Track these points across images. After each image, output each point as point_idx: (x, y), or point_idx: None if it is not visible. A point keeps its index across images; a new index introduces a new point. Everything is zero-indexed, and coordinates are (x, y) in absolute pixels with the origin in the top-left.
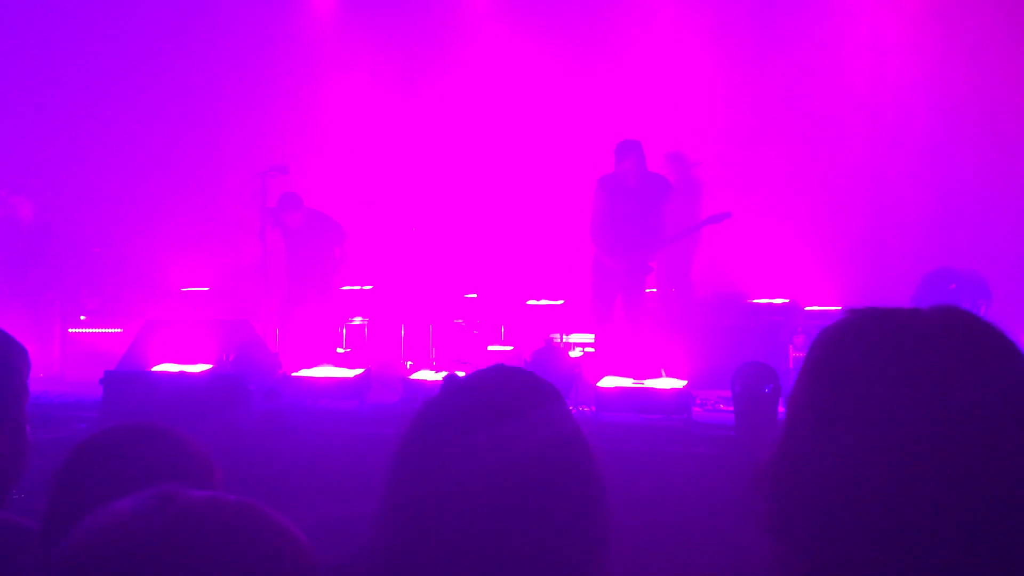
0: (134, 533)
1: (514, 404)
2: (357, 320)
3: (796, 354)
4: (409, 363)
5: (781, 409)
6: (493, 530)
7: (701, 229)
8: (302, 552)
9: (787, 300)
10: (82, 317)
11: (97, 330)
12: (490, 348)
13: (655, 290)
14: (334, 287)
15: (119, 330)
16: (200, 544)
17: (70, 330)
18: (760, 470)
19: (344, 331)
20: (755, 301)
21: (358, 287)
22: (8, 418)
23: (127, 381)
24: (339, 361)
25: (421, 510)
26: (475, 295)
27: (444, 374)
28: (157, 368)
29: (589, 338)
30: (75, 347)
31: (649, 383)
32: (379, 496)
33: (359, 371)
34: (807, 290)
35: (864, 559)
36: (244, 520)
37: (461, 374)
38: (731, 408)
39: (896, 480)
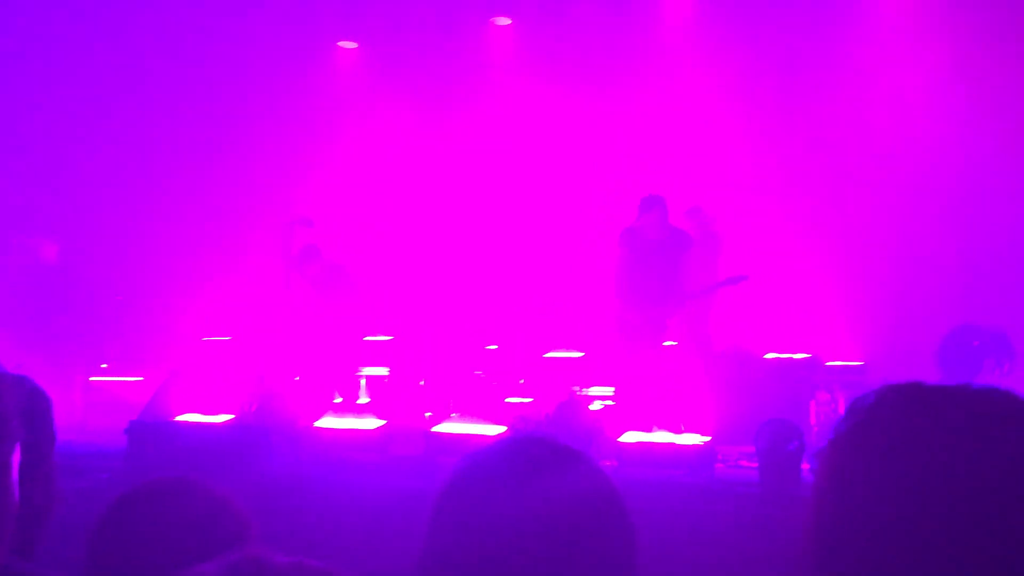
0: None
1: (544, 467)
2: (377, 371)
3: (818, 410)
4: (429, 414)
5: (805, 466)
6: None
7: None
8: None
9: (808, 355)
10: (104, 365)
11: (119, 378)
12: (509, 400)
13: (675, 344)
14: (355, 338)
15: (140, 379)
16: None
17: (92, 378)
18: (801, 538)
19: (364, 382)
20: (776, 356)
21: (379, 338)
22: (40, 467)
23: (151, 431)
24: (360, 412)
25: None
26: (495, 347)
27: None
28: (180, 418)
29: (609, 391)
30: (96, 395)
31: (671, 438)
32: (417, 556)
33: (381, 423)
34: (828, 345)
35: None
36: None
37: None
38: (754, 464)
39: (933, 552)
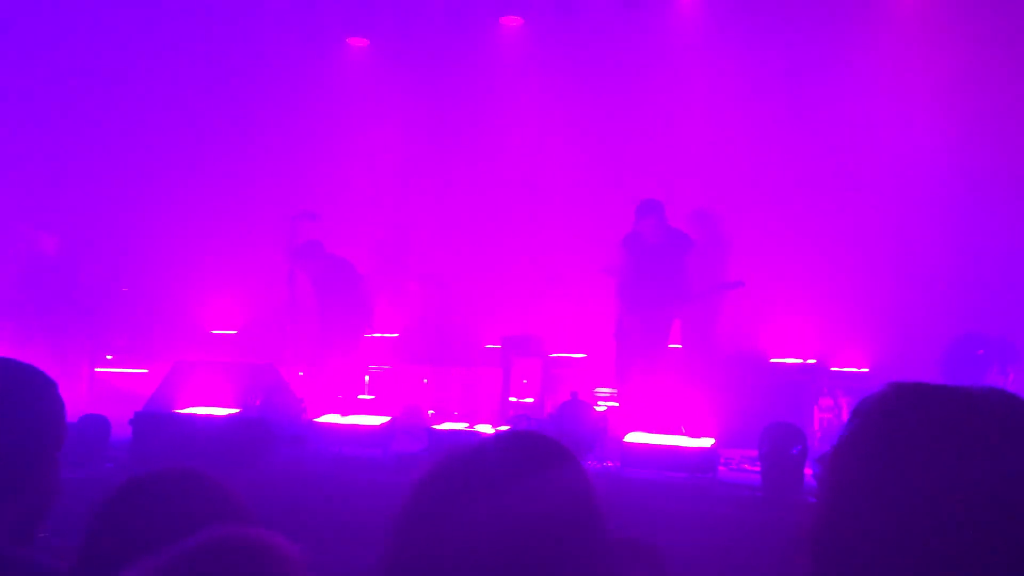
0: None
1: (522, 469)
2: (381, 367)
3: (822, 415)
4: (431, 412)
5: (808, 471)
6: None
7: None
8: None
9: (813, 360)
10: (109, 356)
11: (124, 370)
12: (513, 399)
13: (680, 346)
14: (359, 333)
15: (145, 370)
16: None
17: (97, 369)
18: (800, 532)
19: (368, 378)
20: (781, 360)
21: (383, 335)
22: (43, 455)
23: (156, 422)
24: (363, 408)
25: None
26: (499, 346)
27: (465, 425)
28: (185, 410)
29: (612, 392)
30: (102, 386)
31: (675, 440)
32: (381, 555)
33: (384, 419)
34: (833, 351)
35: None
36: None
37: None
38: (757, 468)
39: (938, 555)
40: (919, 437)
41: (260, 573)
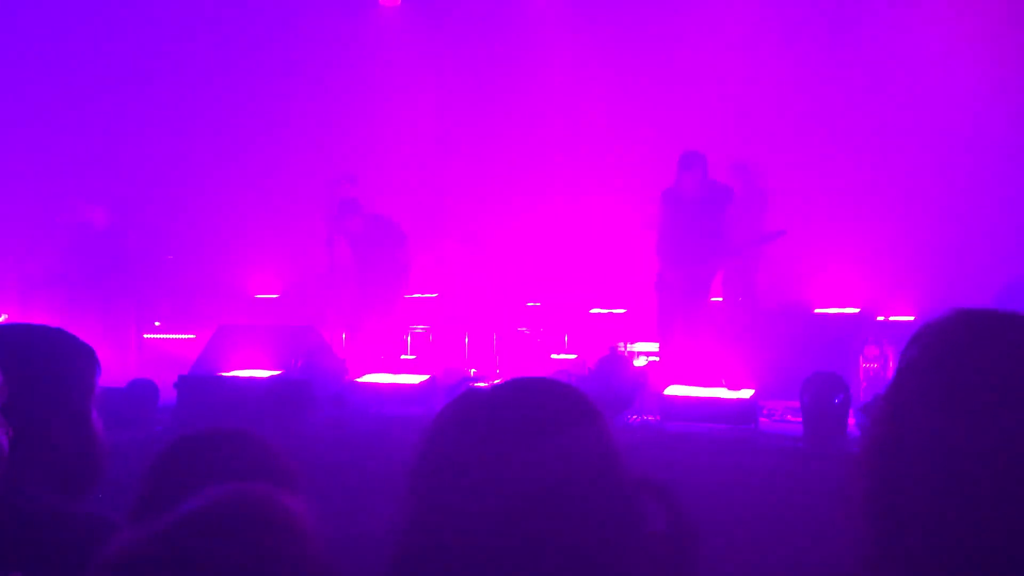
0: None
1: (534, 421)
2: (421, 327)
3: (867, 365)
4: (473, 371)
5: (851, 420)
6: (511, 548)
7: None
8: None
9: (858, 310)
10: (157, 323)
11: (172, 336)
12: (553, 356)
13: (721, 299)
14: (399, 293)
15: (192, 336)
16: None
17: (145, 336)
18: (858, 457)
19: (409, 338)
20: (825, 311)
21: (423, 295)
22: (74, 418)
23: (199, 385)
24: (404, 368)
25: (439, 520)
26: (538, 303)
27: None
28: (228, 373)
29: (653, 347)
30: (150, 352)
31: (715, 392)
32: (401, 508)
33: (424, 378)
34: (879, 299)
35: (970, 549)
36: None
37: (482, 385)
38: (799, 419)
39: (1005, 476)
40: (991, 365)
41: (264, 530)
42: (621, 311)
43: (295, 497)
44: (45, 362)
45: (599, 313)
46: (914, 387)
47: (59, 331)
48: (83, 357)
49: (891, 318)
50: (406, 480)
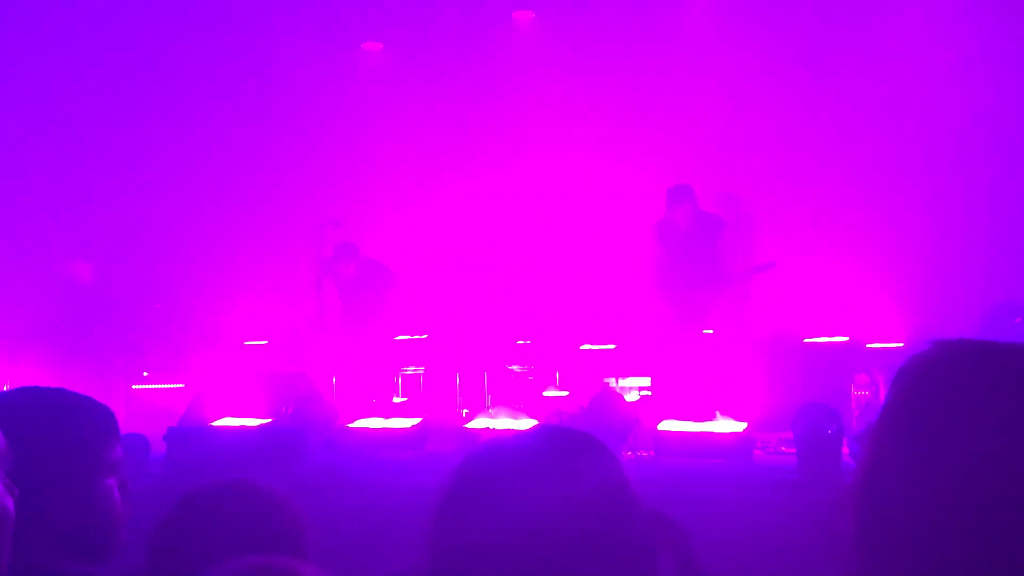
0: None
1: (558, 464)
2: (412, 370)
3: (857, 393)
4: (465, 411)
5: (845, 451)
6: None
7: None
8: None
9: (847, 338)
10: (145, 373)
11: (160, 386)
12: (545, 394)
13: (712, 332)
14: (389, 336)
15: (181, 385)
16: None
17: (133, 387)
18: (848, 491)
19: (400, 380)
20: (814, 340)
21: (413, 336)
22: (81, 486)
23: (189, 437)
24: (395, 411)
25: (463, 566)
26: (529, 341)
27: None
28: (217, 423)
29: (644, 381)
30: (139, 403)
31: (709, 427)
32: (422, 551)
33: (415, 421)
34: (868, 328)
35: None
36: None
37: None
38: (793, 450)
39: (988, 510)
40: (972, 392)
41: None
42: (611, 347)
43: (313, 567)
44: (54, 428)
45: (589, 349)
46: (896, 423)
47: (75, 396)
48: (96, 426)
49: (880, 345)
50: (428, 526)
